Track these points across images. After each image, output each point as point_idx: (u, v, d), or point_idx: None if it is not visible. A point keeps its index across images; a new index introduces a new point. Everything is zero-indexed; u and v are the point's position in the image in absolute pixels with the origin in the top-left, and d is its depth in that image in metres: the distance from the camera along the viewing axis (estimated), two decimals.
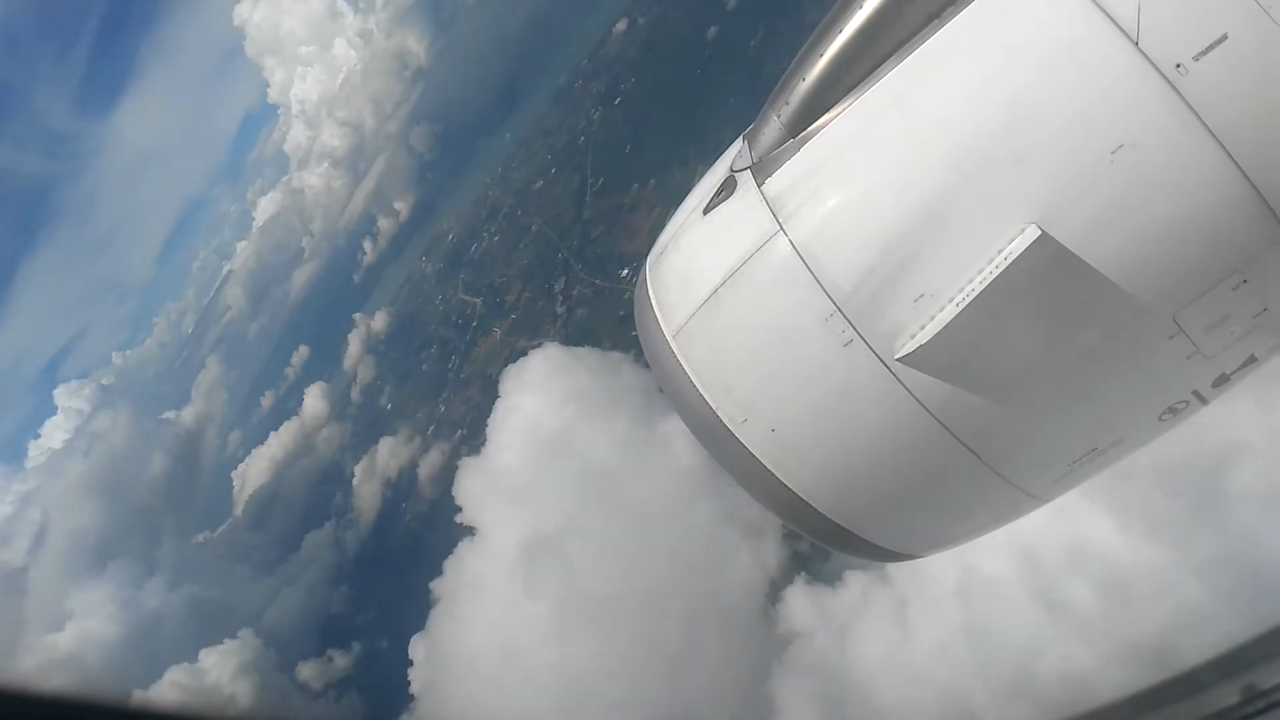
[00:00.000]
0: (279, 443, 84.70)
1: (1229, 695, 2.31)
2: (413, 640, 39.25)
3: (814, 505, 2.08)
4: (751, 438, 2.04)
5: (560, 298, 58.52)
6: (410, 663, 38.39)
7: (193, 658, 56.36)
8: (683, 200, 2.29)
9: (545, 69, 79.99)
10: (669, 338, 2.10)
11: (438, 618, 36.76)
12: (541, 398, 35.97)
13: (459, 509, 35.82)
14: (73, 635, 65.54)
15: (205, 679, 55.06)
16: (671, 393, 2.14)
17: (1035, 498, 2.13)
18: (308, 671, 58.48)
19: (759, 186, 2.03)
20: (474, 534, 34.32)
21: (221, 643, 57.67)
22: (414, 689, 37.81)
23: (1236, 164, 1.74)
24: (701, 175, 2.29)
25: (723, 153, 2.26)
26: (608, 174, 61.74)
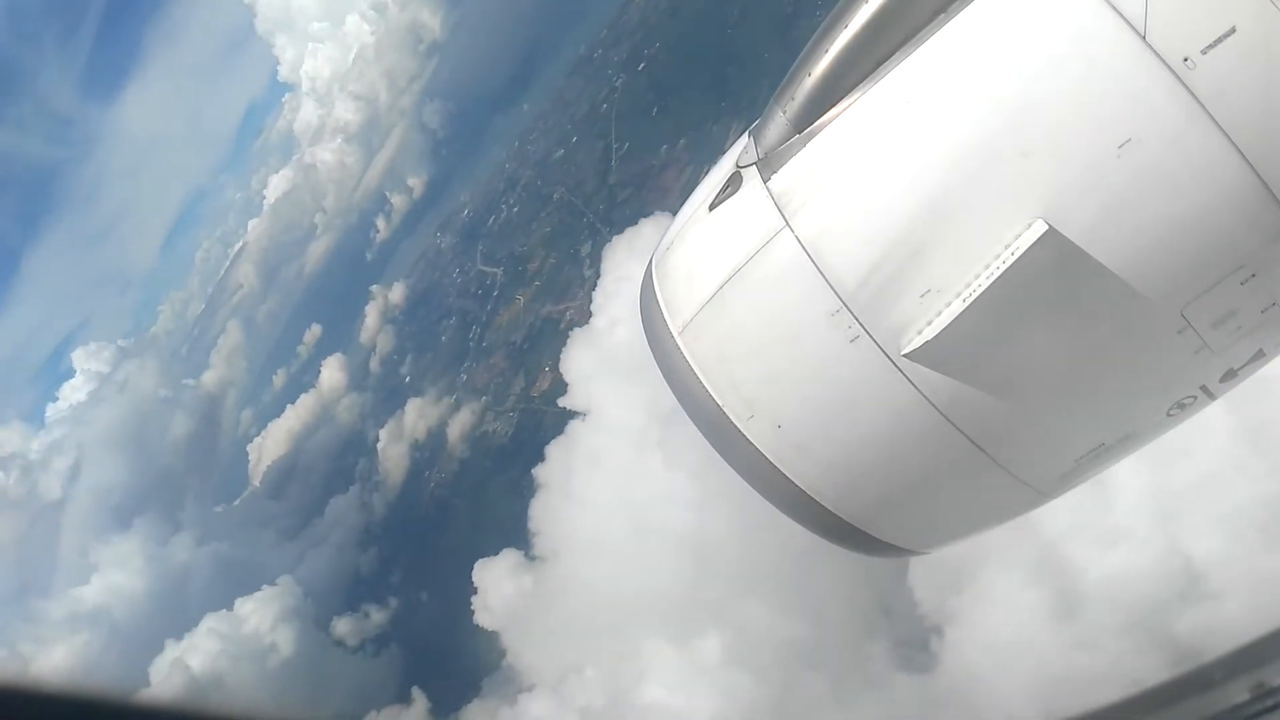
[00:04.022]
0: (296, 415, 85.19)
1: (1239, 692, 2.32)
2: (477, 566, 39.89)
3: (820, 501, 2.09)
4: (757, 434, 2.05)
5: (587, 261, 58.46)
6: (475, 590, 39.24)
7: (229, 606, 57.72)
8: (692, 193, 2.27)
9: (563, 40, 78.60)
10: (675, 334, 2.10)
11: (539, 506, 36.66)
12: None
13: (565, 386, 35.83)
14: (99, 588, 67.22)
15: (243, 627, 56.48)
16: (677, 389, 2.15)
17: (1042, 493, 2.12)
18: (343, 627, 59.77)
19: (765, 182, 2.02)
20: (584, 416, 33.93)
21: (259, 589, 58.75)
22: (479, 619, 38.73)
23: (1244, 158, 1.71)
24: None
25: (736, 140, 2.24)
26: (633, 138, 61.12)
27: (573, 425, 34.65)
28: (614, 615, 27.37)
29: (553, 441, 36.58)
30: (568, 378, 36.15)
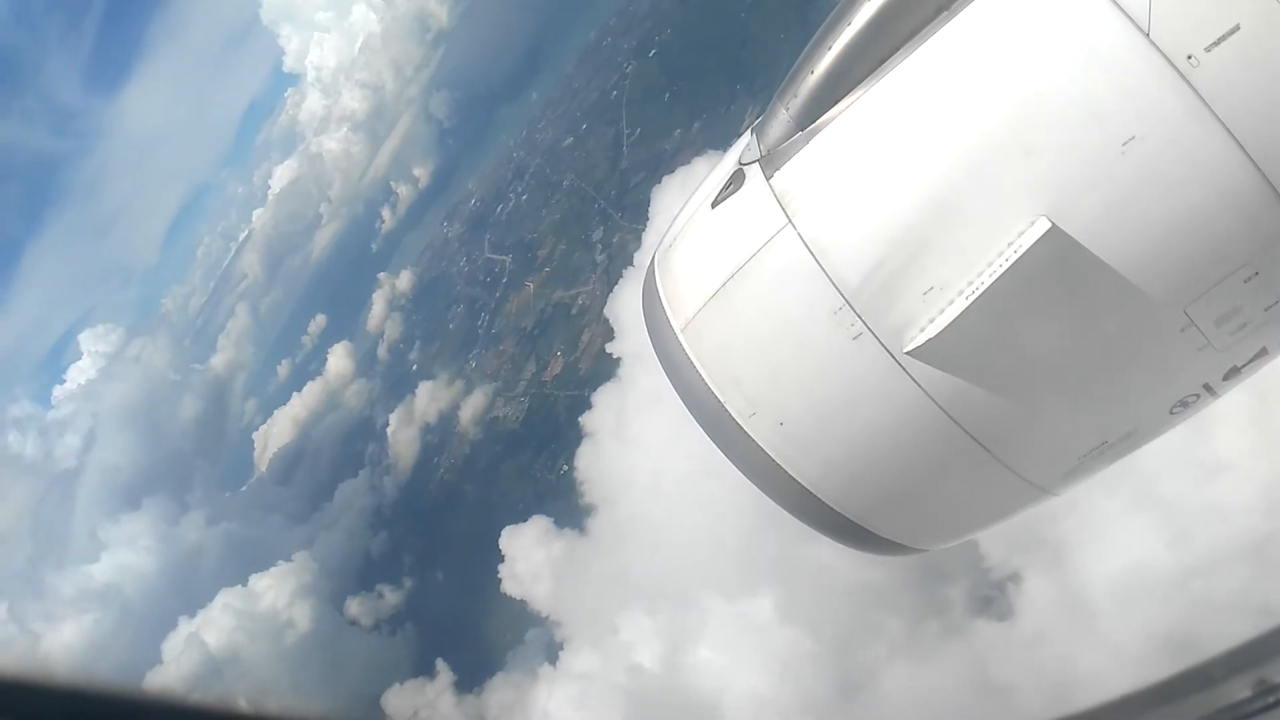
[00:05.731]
0: (302, 403, 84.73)
1: (1240, 689, 2.32)
2: (504, 532, 40.04)
3: (822, 499, 2.10)
4: (759, 431, 2.06)
5: (600, 246, 58.25)
6: (502, 558, 39.45)
7: (243, 582, 57.85)
8: (696, 190, 2.29)
9: (571, 28, 77.41)
10: (677, 331, 2.12)
11: (585, 454, 36.47)
12: None
13: (613, 333, 35.93)
14: (110, 566, 67.27)
15: (259, 604, 56.65)
16: (679, 386, 2.17)
17: (1045, 491, 2.13)
18: (357, 608, 59.91)
19: (767, 180, 2.02)
20: (633, 361, 33.04)
21: (275, 565, 58.72)
22: (507, 587, 38.89)
23: (1248, 155, 1.71)
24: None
25: (743, 131, 2.24)
26: (645, 124, 60.57)
27: (623, 369, 34.28)
28: (666, 567, 26.49)
29: (601, 388, 36.27)
30: (615, 324, 36.20)
